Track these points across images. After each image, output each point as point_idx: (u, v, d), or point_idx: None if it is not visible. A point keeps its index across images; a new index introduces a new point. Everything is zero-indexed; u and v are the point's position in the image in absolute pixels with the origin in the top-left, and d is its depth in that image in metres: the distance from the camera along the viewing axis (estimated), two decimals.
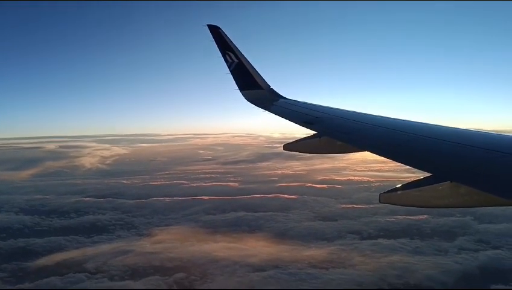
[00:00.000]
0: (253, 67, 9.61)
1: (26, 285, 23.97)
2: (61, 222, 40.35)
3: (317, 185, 55.06)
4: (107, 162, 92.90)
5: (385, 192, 4.18)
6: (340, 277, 24.41)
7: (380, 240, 31.06)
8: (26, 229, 37.75)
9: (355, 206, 42.55)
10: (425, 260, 26.92)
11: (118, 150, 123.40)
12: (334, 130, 6.68)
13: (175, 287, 23.98)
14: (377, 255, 28.03)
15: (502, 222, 33.43)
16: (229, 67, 9.50)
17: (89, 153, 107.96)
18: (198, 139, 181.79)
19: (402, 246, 29.59)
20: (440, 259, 27.32)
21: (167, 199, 48.33)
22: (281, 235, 33.60)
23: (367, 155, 6.35)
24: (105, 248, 31.05)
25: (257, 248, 30.50)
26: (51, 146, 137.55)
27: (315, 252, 29.12)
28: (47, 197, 51.52)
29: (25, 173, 72.68)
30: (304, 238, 32.45)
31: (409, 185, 4.08)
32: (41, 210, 44.96)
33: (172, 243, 31.95)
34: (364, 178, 62.23)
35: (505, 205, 3.55)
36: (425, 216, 36.11)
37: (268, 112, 8.64)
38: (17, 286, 23.86)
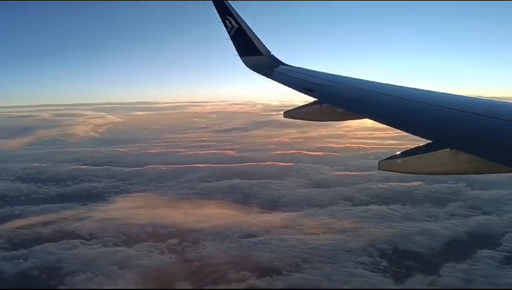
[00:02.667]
0: (253, 32, 9.45)
1: (21, 251, 24.35)
2: (58, 189, 40.63)
3: (313, 153, 55.16)
4: (100, 130, 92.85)
5: (384, 159, 4.17)
6: (329, 242, 24.77)
7: (371, 207, 31.35)
8: (23, 196, 38.08)
9: (349, 173, 42.74)
10: (415, 226, 27.23)
11: (112, 118, 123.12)
12: (335, 97, 6.67)
13: (167, 252, 24.36)
14: (368, 221, 28.35)
15: (493, 188, 33.63)
16: (228, 32, 9.34)
17: (83, 122, 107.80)
18: (197, 107, 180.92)
19: (393, 212, 29.89)
20: (430, 225, 27.63)
21: (163, 167, 48.56)
22: (274, 202, 33.91)
23: (366, 123, 6.30)
24: (100, 215, 31.39)
25: (249, 215, 30.85)
26: (45, 114, 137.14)
27: (306, 218, 29.46)
28: (44, 165, 51.74)
29: (19, 141, 72.77)
30: (296, 205, 32.76)
31: (408, 152, 4.06)
32: (38, 178, 45.22)
33: (166, 210, 32.29)
34: (361, 145, 62.30)
35: (504, 172, 3.55)
36: (419, 183, 36.29)
37: (269, 79, 8.56)
38: (12, 252, 24.24)
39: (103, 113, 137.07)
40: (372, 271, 21.41)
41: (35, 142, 73.90)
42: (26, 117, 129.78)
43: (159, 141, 73.52)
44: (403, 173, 4.16)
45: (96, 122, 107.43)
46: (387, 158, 4.18)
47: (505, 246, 23.98)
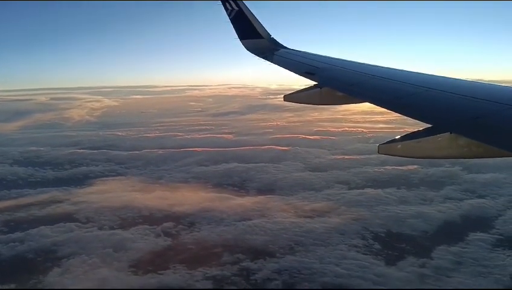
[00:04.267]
0: (253, 15, 9.33)
1: (18, 234, 24.55)
2: (55, 173, 40.77)
3: (310, 137, 55.12)
4: (95, 114, 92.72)
5: (384, 143, 4.18)
6: (323, 225, 24.92)
7: (367, 190, 31.42)
8: (20, 180, 38.22)
9: (346, 157, 42.76)
10: (409, 209, 27.35)
11: (109, 102, 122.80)
12: (335, 81, 6.63)
13: (162, 235, 24.56)
14: (363, 204, 28.47)
15: (489, 171, 33.67)
16: (228, 15, 9.25)
17: (79, 105, 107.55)
18: (196, 91, 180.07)
19: (388, 195, 29.97)
20: (424, 208, 27.75)
21: (160, 151, 48.60)
22: (270, 185, 34.02)
23: (365, 106, 6.29)
24: (96, 198, 31.52)
25: (245, 198, 30.99)
26: (42, 98, 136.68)
27: (302, 201, 29.59)
28: (41, 149, 51.82)
29: (15, 125, 72.78)
30: (292, 188, 32.86)
31: (408, 136, 4.06)
32: (36, 162, 45.35)
33: (162, 193, 32.43)
34: (359, 129, 62.23)
35: (503, 157, 3.54)
36: (415, 166, 36.34)
37: (269, 62, 8.50)
38: (8, 235, 24.44)
39: (100, 97, 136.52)
40: (364, 254, 21.58)
41: (31, 126, 73.91)
42: (23, 101, 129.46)
43: (157, 124, 73.46)
44: (403, 157, 4.17)
45: (92, 106, 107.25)
46: (386, 142, 4.21)
47: (498, 229, 24.13)
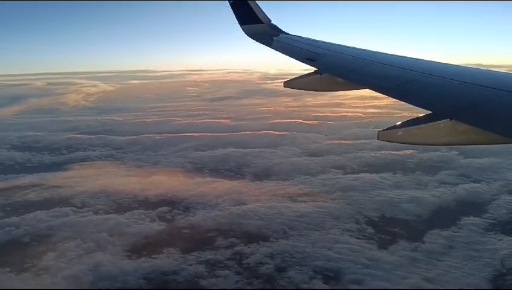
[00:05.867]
0: (253, 0, 9.24)
1: (14, 218, 24.71)
2: (52, 158, 40.89)
3: (308, 122, 55.09)
4: (90, 99, 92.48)
5: (384, 129, 4.17)
6: (317, 210, 25.02)
7: (362, 175, 31.48)
8: (17, 165, 38.34)
9: (343, 142, 42.77)
10: (404, 194, 27.41)
11: (105, 87, 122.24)
12: (336, 67, 6.61)
13: (157, 220, 24.71)
14: (357, 189, 28.56)
15: (485, 156, 33.69)
16: (228, 0, 9.18)
17: (75, 90, 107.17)
18: (195, 76, 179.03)
19: (383, 180, 30.02)
20: (418, 193, 27.81)
21: (158, 136, 48.60)
22: (266, 171, 34.08)
23: (364, 91, 6.25)
24: (93, 183, 31.65)
25: (241, 183, 31.08)
26: (38, 83, 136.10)
27: (297, 186, 29.69)
28: (39, 134, 51.87)
29: (11, 110, 72.66)
30: (288, 173, 32.92)
31: (408, 123, 4.06)
32: (33, 147, 45.49)
33: (158, 178, 32.53)
34: (358, 114, 62.13)
35: (503, 143, 3.54)
36: (411, 151, 36.36)
37: (269, 48, 8.43)
38: (4, 220, 24.60)
39: (97, 82, 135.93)
40: (357, 238, 21.72)
41: (28, 111, 73.80)
42: (19, 86, 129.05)
43: (155, 109, 73.30)
44: (402, 143, 4.18)
45: (88, 91, 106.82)
46: (386, 128, 4.19)
47: (491, 213, 24.23)
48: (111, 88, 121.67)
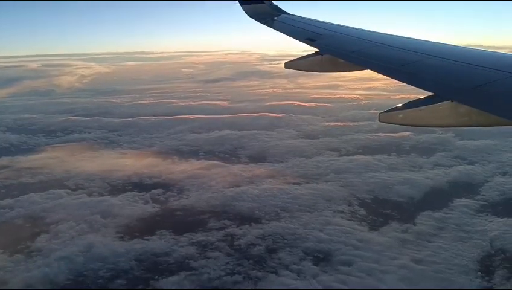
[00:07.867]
0: None
1: (8, 201, 24.80)
2: (47, 140, 40.82)
3: (306, 104, 54.81)
4: (84, 81, 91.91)
5: (384, 111, 4.13)
6: (310, 192, 25.09)
7: (357, 157, 31.48)
8: (13, 148, 38.30)
9: (339, 124, 42.65)
10: (397, 176, 27.46)
11: (100, 68, 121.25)
12: (337, 48, 6.49)
13: (150, 202, 24.80)
14: (352, 171, 28.57)
15: (481, 138, 33.61)
16: None
17: (69, 72, 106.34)
18: (194, 58, 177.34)
19: (377, 162, 30.04)
20: (412, 175, 27.87)
21: (153, 118, 48.42)
22: (261, 153, 34.05)
23: (364, 74, 6.17)
24: (87, 165, 31.65)
25: (235, 165, 31.09)
26: (34, 65, 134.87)
27: (291, 168, 29.71)
28: (34, 116, 51.69)
29: (6, 92, 72.28)
30: (283, 155, 32.89)
31: (408, 105, 4.02)
32: (29, 129, 45.38)
33: (153, 161, 32.54)
34: (355, 96, 61.79)
35: (504, 125, 3.52)
36: (408, 133, 36.25)
37: (269, 28, 8.28)
38: None
39: (93, 64, 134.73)
40: (349, 219, 21.81)
41: (23, 93, 73.45)
42: (14, 67, 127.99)
43: (152, 91, 72.88)
44: (403, 125, 4.13)
45: (82, 73, 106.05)
46: (387, 110, 4.15)
47: (483, 195, 24.29)
48: (107, 70, 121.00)
